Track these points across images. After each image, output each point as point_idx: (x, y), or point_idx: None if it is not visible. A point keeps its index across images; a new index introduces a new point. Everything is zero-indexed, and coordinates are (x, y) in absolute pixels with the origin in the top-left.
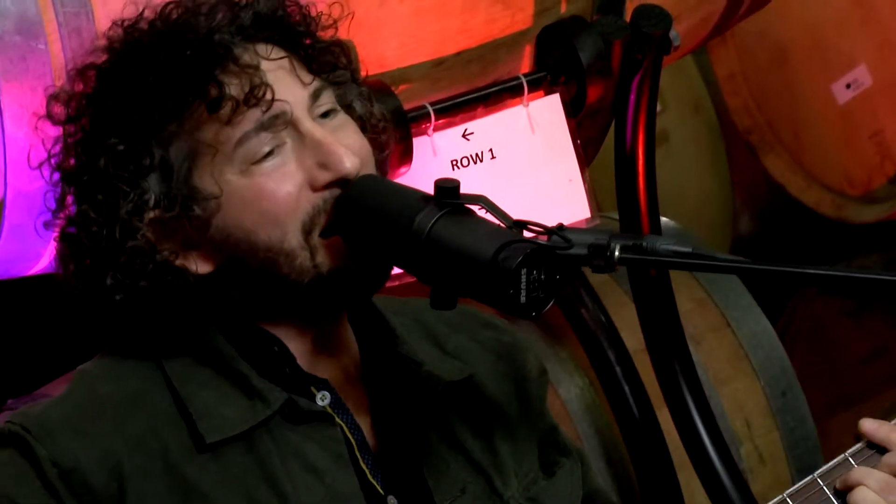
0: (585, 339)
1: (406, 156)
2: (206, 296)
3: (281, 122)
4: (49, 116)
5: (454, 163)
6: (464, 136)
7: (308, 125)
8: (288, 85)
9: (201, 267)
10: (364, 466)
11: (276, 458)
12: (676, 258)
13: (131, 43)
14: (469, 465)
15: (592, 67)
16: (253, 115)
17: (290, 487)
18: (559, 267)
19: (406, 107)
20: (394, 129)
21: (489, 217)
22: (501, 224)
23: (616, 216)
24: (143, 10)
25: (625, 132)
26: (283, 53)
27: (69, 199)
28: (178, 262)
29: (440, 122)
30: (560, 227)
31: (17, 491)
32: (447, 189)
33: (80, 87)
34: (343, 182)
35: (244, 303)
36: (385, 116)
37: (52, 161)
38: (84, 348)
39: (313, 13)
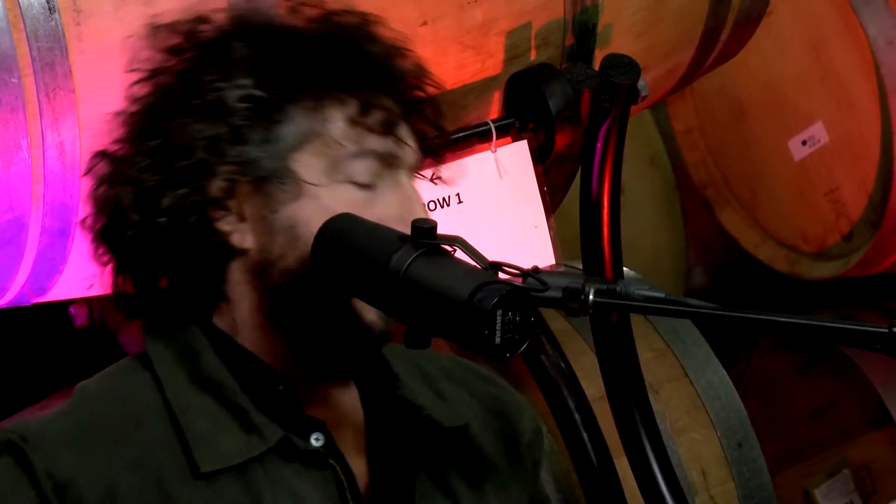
0: (545, 386)
1: None
2: (221, 275)
3: (394, 164)
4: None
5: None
6: (431, 179)
7: (407, 181)
8: (411, 143)
9: (243, 240)
10: None
11: (267, 492)
12: (650, 303)
13: (321, 19)
14: None
15: (561, 115)
16: (381, 143)
17: None
18: (534, 309)
19: None
20: None
21: (465, 258)
22: (477, 265)
23: (578, 265)
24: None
25: (591, 180)
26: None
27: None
28: (225, 224)
29: None
30: (535, 269)
31: (11, 500)
32: (424, 229)
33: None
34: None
35: (249, 302)
36: None
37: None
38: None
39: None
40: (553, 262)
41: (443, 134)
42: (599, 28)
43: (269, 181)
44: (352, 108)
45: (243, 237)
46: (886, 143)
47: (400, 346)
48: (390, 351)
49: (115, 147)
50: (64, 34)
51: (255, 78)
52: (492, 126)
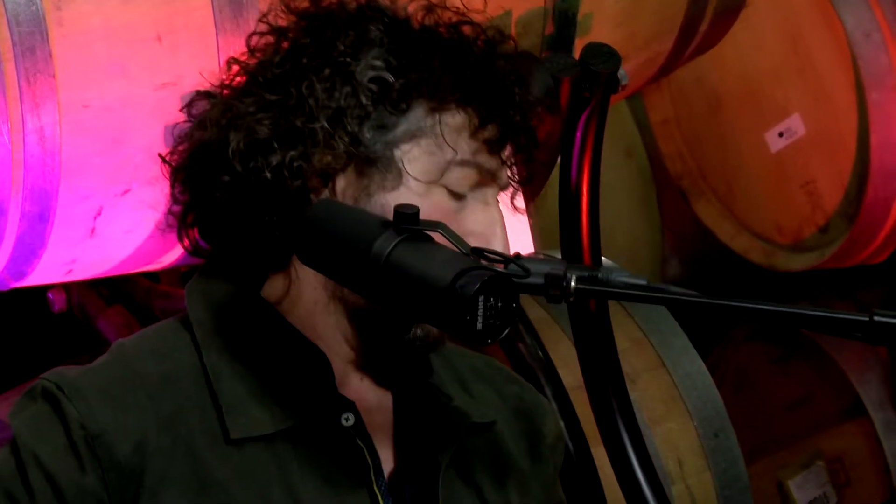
0: (522, 374)
1: None
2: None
3: (491, 182)
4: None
5: None
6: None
7: (495, 201)
8: (509, 166)
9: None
10: (377, 490)
11: (294, 465)
12: (631, 290)
13: (456, 25)
14: (481, 503)
15: (541, 103)
16: (489, 161)
17: (304, 494)
18: (516, 295)
19: None
20: None
21: (447, 244)
22: (459, 251)
23: (557, 255)
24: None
25: (570, 169)
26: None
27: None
28: (319, 195)
29: None
30: (517, 255)
31: (41, 447)
32: (406, 215)
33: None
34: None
35: (315, 278)
36: None
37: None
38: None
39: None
40: (532, 250)
41: (533, 165)
42: (579, 17)
43: (375, 165)
44: (471, 117)
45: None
46: (863, 136)
47: None
48: None
49: (223, 92)
50: (44, 19)
51: (388, 63)
52: None
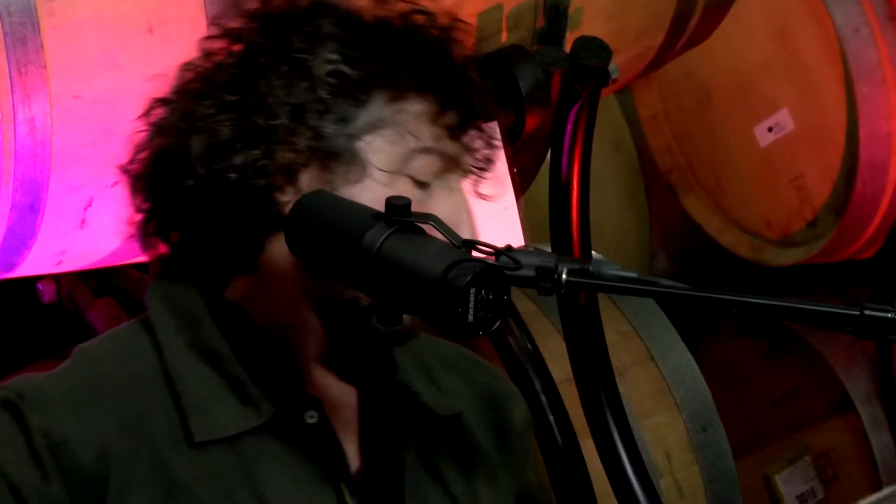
0: (512, 368)
1: None
2: (260, 243)
3: (456, 169)
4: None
5: None
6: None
7: (459, 187)
8: (474, 151)
9: (286, 206)
10: (344, 488)
11: (259, 464)
12: (623, 283)
13: (409, 15)
14: (448, 497)
15: (531, 97)
16: (451, 146)
17: (270, 494)
18: (507, 287)
19: None
20: None
21: (439, 236)
22: (451, 243)
23: (547, 248)
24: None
25: (560, 162)
26: None
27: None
28: (285, 195)
29: None
30: (508, 248)
31: (4, 457)
32: (398, 207)
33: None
34: None
35: (285, 276)
36: None
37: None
38: None
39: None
40: (522, 243)
41: (494, 150)
42: (570, 10)
43: (338, 159)
44: (431, 105)
45: (285, 205)
46: (852, 131)
47: None
48: None
49: (180, 97)
50: (36, 9)
51: (344, 56)
52: None
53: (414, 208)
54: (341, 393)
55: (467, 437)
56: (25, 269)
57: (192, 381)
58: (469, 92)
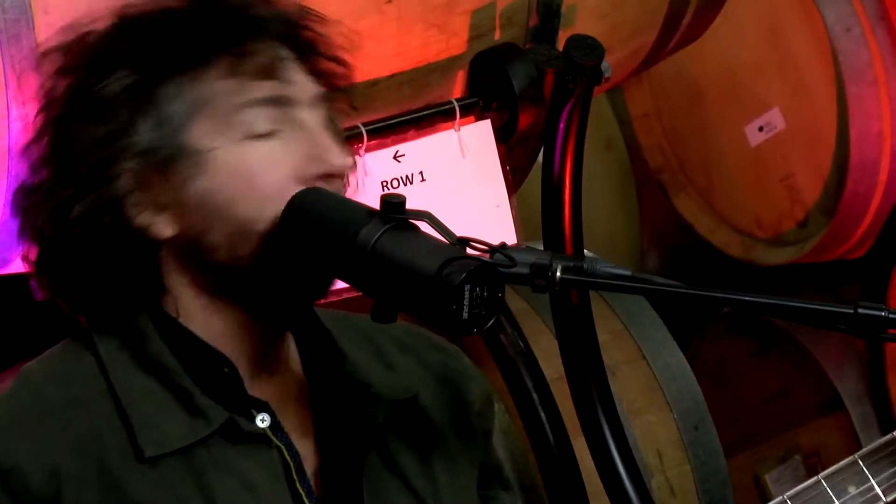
0: (504, 366)
1: None
2: (155, 267)
3: (289, 105)
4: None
5: (384, 184)
6: (395, 157)
7: (310, 117)
8: (302, 80)
9: (164, 229)
10: (300, 489)
11: (212, 474)
12: (616, 280)
13: None
14: (408, 490)
15: (524, 94)
16: (265, 87)
17: (225, 502)
18: (502, 285)
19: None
20: None
21: (434, 233)
22: (445, 240)
23: (539, 245)
24: None
25: (553, 160)
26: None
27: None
28: (142, 218)
29: (372, 142)
30: (503, 245)
31: None
32: (393, 204)
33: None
34: (328, 178)
35: (188, 286)
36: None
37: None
38: None
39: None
40: (515, 241)
41: (339, 63)
42: (563, 9)
43: (172, 162)
44: (226, 62)
45: (164, 226)
46: (842, 131)
47: (350, 316)
48: (337, 324)
49: (27, 180)
50: (31, 6)
51: (132, 66)
52: (455, 105)
53: (268, 160)
54: (290, 393)
55: (425, 419)
56: (19, 265)
57: (138, 397)
58: (265, 29)
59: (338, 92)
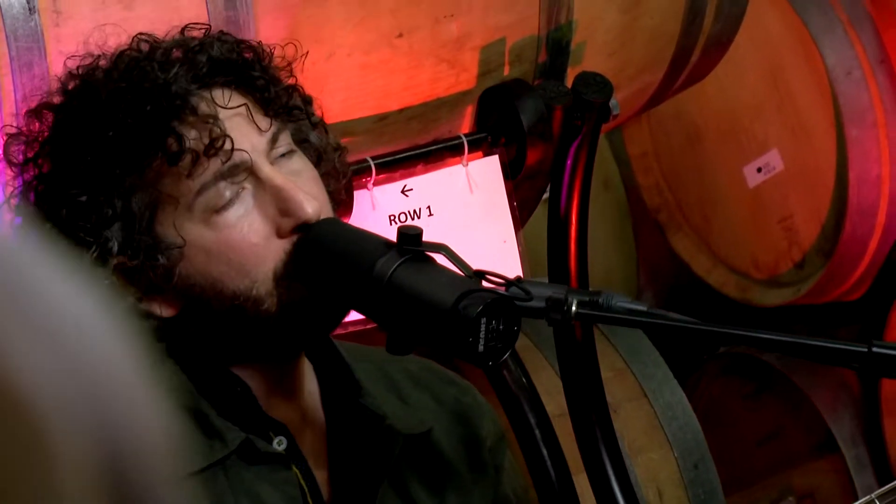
0: (506, 402)
1: (346, 208)
2: (169, 336)
3: (241, 170)
4: (6, 157)
5: (392, 218)
6: (403, 191)
7: (268, 171)
8: (245, 132)
9: (165, 311)
10: None
11: (229, 495)
12: (632, 316)
13: (88, 93)
14: None
15: (533, 131)
16: (213, 165)
17: None
18: (518, 318)
19: (348, 160)
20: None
21: (450, 266)
22: (462, 273)
23: (545, 281)
24: (99, 58)
25: (560, 196)
26: (240, 100)
27: None
28: (141, 306)
29: (380, 176)
30: (518, 279)
31: None
32: (410, 236)
33: (35, 126)
34: (305, 227)
35: (207, 343)
36: (339, 145)
37: (12, 202)
38: None
39: (266, 53)
40: (521, 276)
41: (268, 73)
42: (572, 46)
43: (149, 259)
44: (162, 162)
45: (163, 309)
46: (841, 173)
47: (365, 349)
48: (354, 355)
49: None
50: (43, 35)
51: (78, 186)
52: (464, 140)
53: (246, 222)
54: (308, 419)
55: (438, 454)
56: None
57: None
58: (174, 115)
59: (296, 109)
